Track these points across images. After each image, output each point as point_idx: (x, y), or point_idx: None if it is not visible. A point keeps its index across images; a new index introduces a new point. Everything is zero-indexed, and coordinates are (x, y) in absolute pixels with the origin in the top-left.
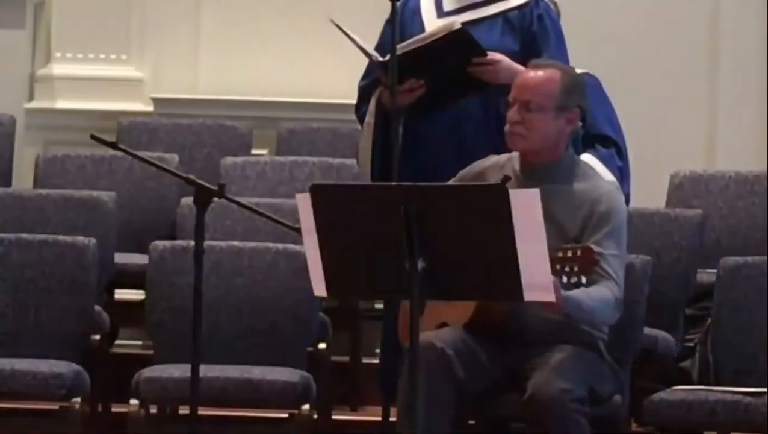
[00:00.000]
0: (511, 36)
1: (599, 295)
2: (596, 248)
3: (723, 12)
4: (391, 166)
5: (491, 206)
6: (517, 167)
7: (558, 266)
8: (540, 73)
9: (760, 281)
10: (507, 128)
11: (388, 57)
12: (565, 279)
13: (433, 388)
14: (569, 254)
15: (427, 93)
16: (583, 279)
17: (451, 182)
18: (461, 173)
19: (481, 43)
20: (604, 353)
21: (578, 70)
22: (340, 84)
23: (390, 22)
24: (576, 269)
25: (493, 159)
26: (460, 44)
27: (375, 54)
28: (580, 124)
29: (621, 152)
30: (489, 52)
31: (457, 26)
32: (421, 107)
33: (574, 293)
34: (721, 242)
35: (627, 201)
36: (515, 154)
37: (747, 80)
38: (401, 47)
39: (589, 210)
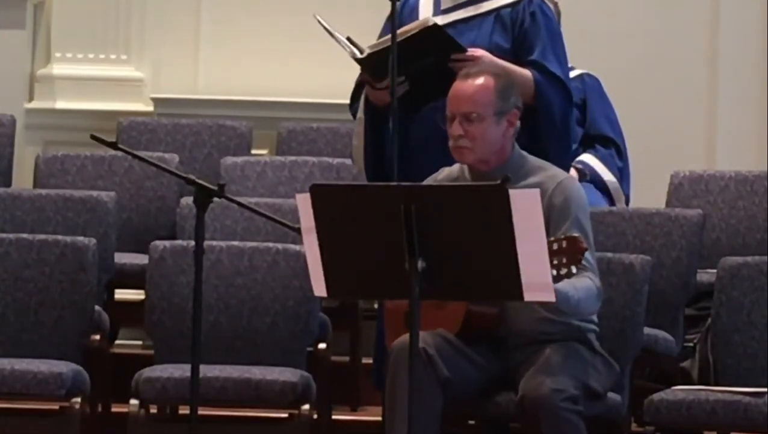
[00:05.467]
0: (501, 33)
1: (584, 286)
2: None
3: (723, 12)
4: (384, 161)
5: (491, 206)
6: (468, 176)
7: None
8: (473, 82)
9: (760, 281)
10: (451, 143)
11: (365, 53)
12: (554, 272)
13: (416, 387)
14: (555, 246)
15: (412, 89)
16: (574, 269)
17: None
18: None
19: (472, 40)
20: (595, 345)
21: (578, 71)
22: (340, 84)
23: (390, 21)
24: (565, 260)
25: (445, 172)
26: (435, 41)
27: (352, 50)
28: (519, 124)
29: (621, 152)
30: (469, 48)
31: (430, 23)
32: (407, 103)
33: (562, 286)
34: (721, 242)
35: (627, 201)
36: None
37: (747, 80)
38: (376, 44)
39: (547, 204)
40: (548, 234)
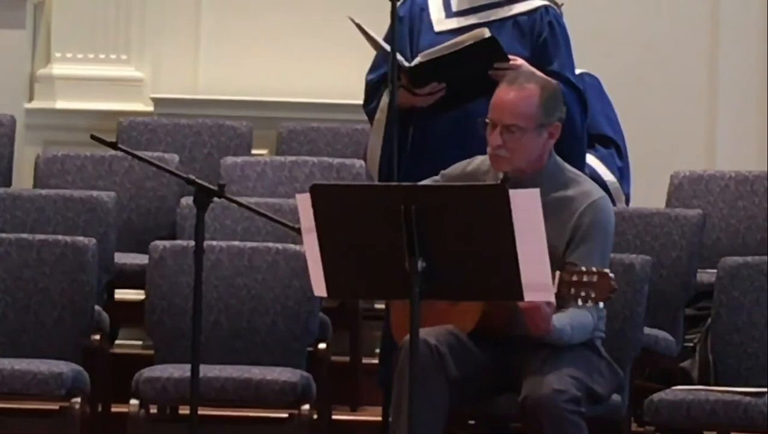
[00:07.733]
0: (520, 41)
1: (581, 322)
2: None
3: (723, 12)
4: (399, 164)
5: (491, 206)
6: (500, 175)
7: (573, 290)
8: (518, 92)
9: (760, 281)
10: (489, 151)
11: (415, 62)
12: (580, 302)
13: (425, 385)
14: (585, 278)
15: (446, 94)
16: (601, 305)
17: (427, 182)
18: (444, 172)
19: None
20: (601, 351)
21: (578, 71)
22: (340, 84)
23: (391, 21)
24: (594, 295)
25: (477, 161)
26: (487, 51)
27: (400, 58)
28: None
29: (621, 152)
30: (510, 56)
31: (487, 35)
32: (438, 107)
33: (561, 322)
34: (721, 242)
35: (627, 201)
36: None
37: (747, 80)
38: (428, 54)
39: (576, 223)
40: (566, 250)
